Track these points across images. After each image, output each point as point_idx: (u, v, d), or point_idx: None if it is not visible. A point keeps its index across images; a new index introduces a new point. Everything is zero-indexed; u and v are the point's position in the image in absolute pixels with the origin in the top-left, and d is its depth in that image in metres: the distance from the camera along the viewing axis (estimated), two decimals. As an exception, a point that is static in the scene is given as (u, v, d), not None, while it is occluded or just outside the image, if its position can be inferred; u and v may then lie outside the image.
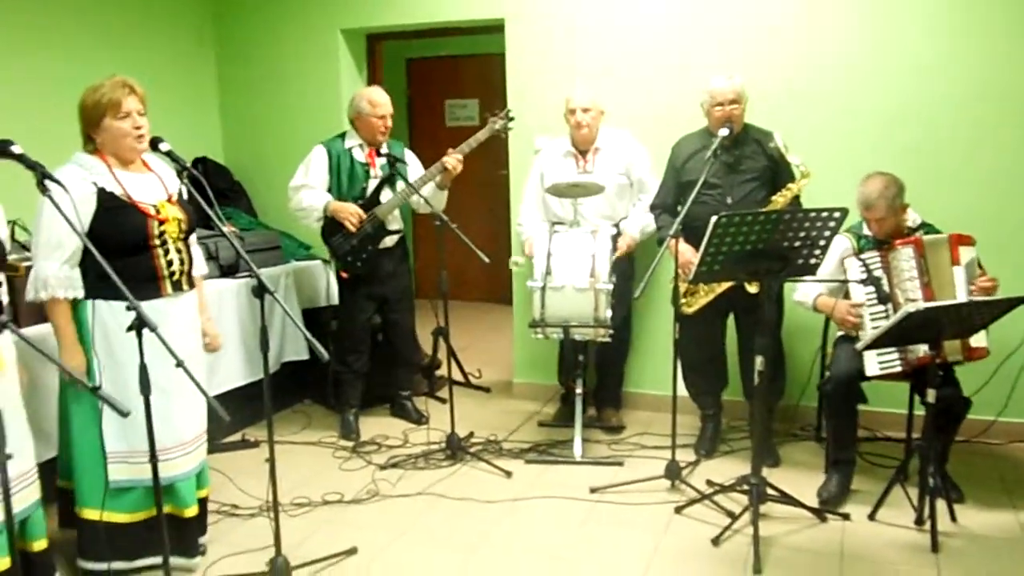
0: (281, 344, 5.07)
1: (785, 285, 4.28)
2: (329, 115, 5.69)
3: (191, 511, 3.38)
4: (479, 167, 6.62)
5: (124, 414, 2.19)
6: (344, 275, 4.84)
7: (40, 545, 3.04)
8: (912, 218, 3.92)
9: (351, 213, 4.67)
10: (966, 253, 3.70)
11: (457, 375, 5.65)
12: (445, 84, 8.35)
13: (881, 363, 3.71)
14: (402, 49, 7.92)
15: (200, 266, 3.51)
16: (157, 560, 3.31)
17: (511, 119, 4.82)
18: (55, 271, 3.04)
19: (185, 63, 5.87)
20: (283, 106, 5.97)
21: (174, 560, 3.23)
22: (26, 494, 2.91)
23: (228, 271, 4.92)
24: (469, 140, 4.70)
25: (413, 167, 4.89)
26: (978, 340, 3.63)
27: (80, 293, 3.10)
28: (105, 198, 3.08)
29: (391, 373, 5.24)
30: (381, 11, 5.62)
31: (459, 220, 4.33)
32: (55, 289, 3.04)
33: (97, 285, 3.07)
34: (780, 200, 4.13)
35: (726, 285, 4.16)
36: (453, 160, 4.62)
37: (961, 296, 3.62)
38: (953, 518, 3.64)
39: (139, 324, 2.54)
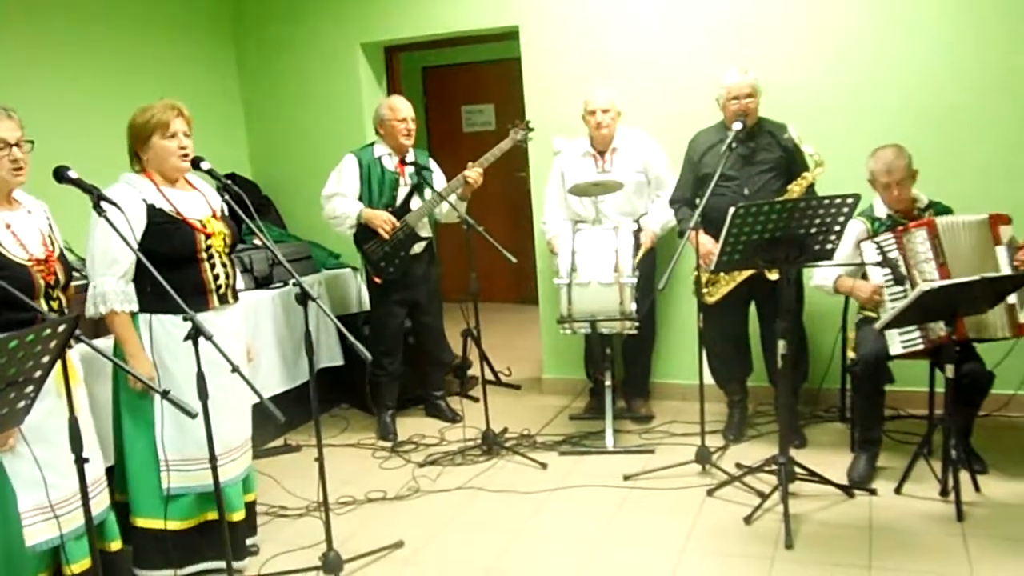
0: (316, 351, 5.17)
1: (803, 271, 4.38)
2: (351, 127, 5.82)
3: (238, 515, 3.51)
4: (499, 170, 6.72)
5: (192, 415, 2.34)
6: (377, 280, 4.96)
7: (116, 545, 3.19)
8: (921, 199, 4.02)
9: (384, 220, 4.80)
10: (1005, 232, 3.79)
11: (488, 374, 5.76)
12: (461, 90, 8.45)
13: (904, 342, 3.80)
14: (418, 58, 8.03)
15: (239, 280, 3.64)
16: (207, 566, 3.49)
17: (531, 129, 4.89)
18: (112, 286, 3.19)
19: (209, 83, 5.99)
20: (306, 121, 6.10)
21: (224, 563, 3.31)
22: (99, 500, 3.03)
23: (262, 282, 5.08)
24: (490, 152, 4.79)
25: (437, 176, 5.02)
26: None
27: (135, 306, 3.25)
28: (155, 214, 3.23)
29: (423, 374, 5.37)
30: (398, 24, 5.74)
31: (481, 223, 4.42)
32: (113, 303, 3.19)
33: (150, 299, 3.23)
34: (796, 189, 4.24)
35: (746, 274, 4.28)
36: (474, 173, 4.74)
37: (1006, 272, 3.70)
38: (977, 488, 3.73)
39: (195, 333, 2.68)
